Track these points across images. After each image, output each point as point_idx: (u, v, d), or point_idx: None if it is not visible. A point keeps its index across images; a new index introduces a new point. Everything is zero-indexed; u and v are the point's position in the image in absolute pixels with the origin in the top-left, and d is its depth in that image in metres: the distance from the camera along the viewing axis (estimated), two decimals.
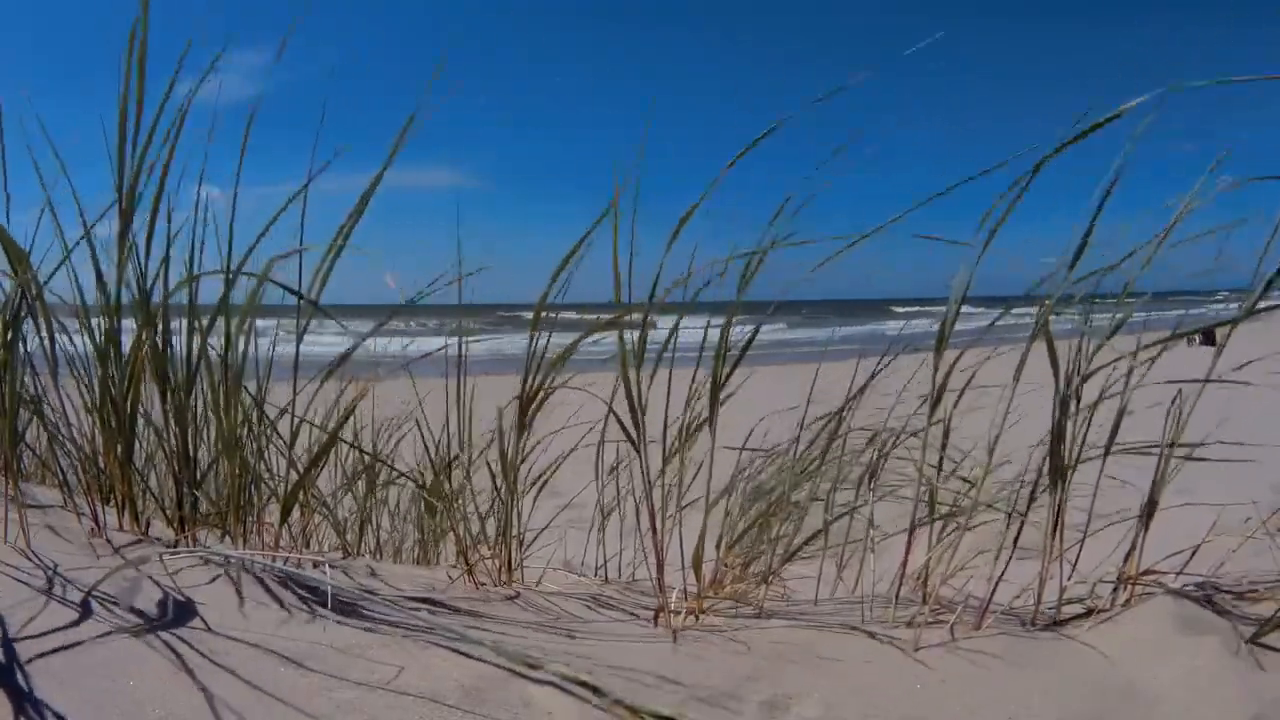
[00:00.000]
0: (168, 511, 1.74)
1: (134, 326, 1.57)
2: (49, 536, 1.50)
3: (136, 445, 1.69)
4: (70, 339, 1.64)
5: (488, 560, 1.86)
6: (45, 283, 1.48)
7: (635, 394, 1.53)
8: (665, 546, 1.57)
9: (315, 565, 1.66)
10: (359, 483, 2.31)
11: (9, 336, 1.47)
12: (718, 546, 1.82)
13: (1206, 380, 1.47)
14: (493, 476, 1.89)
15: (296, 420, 1.72)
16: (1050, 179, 1.38)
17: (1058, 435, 1.48)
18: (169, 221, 1.55)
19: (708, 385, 1.61)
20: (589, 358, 1.72)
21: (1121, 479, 1.54)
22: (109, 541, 1.52)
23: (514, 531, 1.85)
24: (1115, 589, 1.54)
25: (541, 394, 1.70)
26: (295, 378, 1.68)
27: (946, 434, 1.70)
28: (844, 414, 1.90)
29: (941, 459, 1.70)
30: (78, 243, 1.52)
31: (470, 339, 1.89)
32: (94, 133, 1.50)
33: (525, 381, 1.69)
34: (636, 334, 1.51)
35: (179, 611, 1.24)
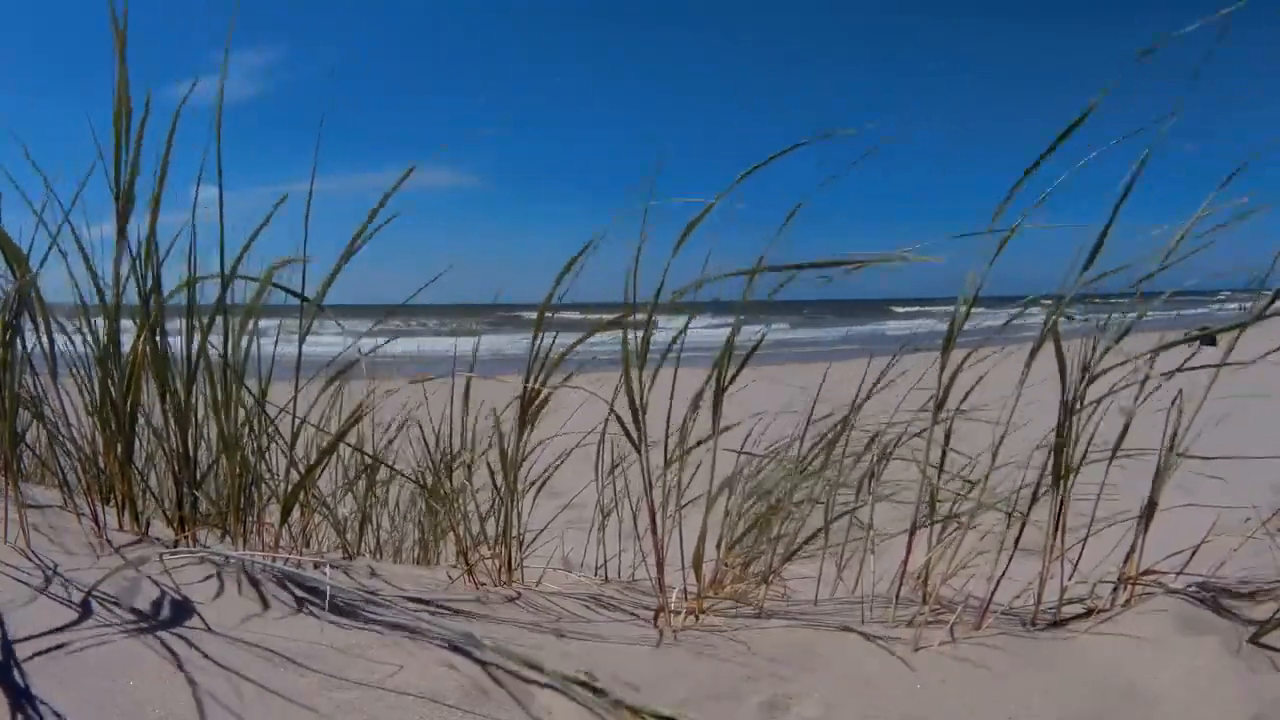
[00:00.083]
0: (168, 511, 1.74)
1: (134, 327, 1.57)
2: (49, 536, 1.50)
3: (136, 445, 1.69)
4: (70, 339, 1.64)
5: (488, 560, 1.86)
6: (38, 270, 1.48)
7: (637, 394, 1.53)
8: (665, 547, 1.57)
9: (315, 565, 1.66)
10: (359, 483, 2.30)
11: (8, 336, 1.46)
12: (718, 547, 1.82)
13: (1220, 364, 1.47)
14: (493, 476, 1.89)
15: (298, 421, 1.73)
16: (1056, 174, 1.39)
17: (1061, 436, 1.48)
18: (154, 221, 1.54)
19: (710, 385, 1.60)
20: (590, 358, 1.72)
21: (1121, 479, 1.54)
22: (109, 541, 1.52)
23: (514, 531, 1.85)
24: (1115, 589, 1.54)
25: (544, 394, 1.70)
26: (297, 378, 1.68)
27: (948, 436, 1.70)
28: (847, 416, 1.90)
29: (943, 459, 1.70)
30: (55, 235, 1.51)
31: (471, 339, 1.89)
32: (100, 131, 1.50)
33: (527, 381, 1.69)
34: (639, 335, 1.51)
35: (178, 611, 1.24)
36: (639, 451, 1.56)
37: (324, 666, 1.14)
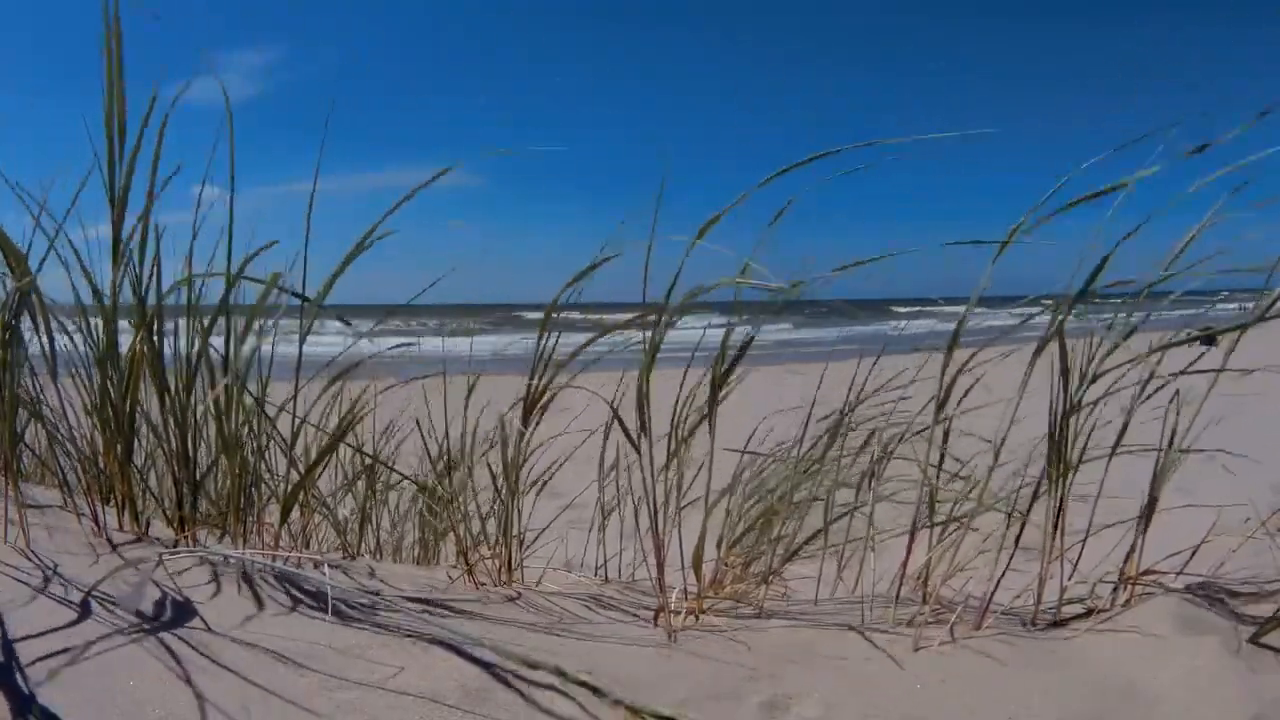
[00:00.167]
0: (168, 511, 1.74)
1: (133, 327, 1.58)
2: (49, 536, 1.50)
3: (136, 445, 1.69)
4: (70, 339, 1.64)
5: (488, 560, 1.86)
6: (37, 271, 1.48)
7: (643, 394, 1.53)
8: (665, 546, 1.57)
9: (315, 565, 1.66)
10: (359, 483, 2.30)
11: (7, 337, 1.46)
12: (718, 546, 1.82)
13: (1219, 369, 1.47)
14: (493, 476, 1.89)
15: (298, 421, 1.73)
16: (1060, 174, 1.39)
17: (1059, 435, 1.48)
18: (146, 221, 1.55)
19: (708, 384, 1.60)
20: (594, 358, 1.72)
21: (1121, 479, 1.54)
22: (109, 541, 1.52)
23: (514, 531, 1.85)
24: (1115, 589, 1.54)
25: (547, 394, 1.70)
26: (297, 379, 1.68)
27: (946, 435, 1.70)
28: (846, 415, 1.90)
29: (942, 459, 1.70)
30: (53, 237, 1.51)
31: (471, 339, 1.89)
32: (94, 132, 1.50)
33: (531, 381, 1.68)
34: (647, 336, 1.51)
35: (178, 611, 1.24)
36: (639, 452, 1.56)
37: (324, 667, 1.14)
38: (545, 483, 2.09)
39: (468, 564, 1.83)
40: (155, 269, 1.57)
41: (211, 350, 1.63)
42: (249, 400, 1.63)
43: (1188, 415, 1.53)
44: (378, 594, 1.56)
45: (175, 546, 1.57)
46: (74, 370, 1.67)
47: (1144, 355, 1.44)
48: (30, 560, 1.33)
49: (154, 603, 1.25)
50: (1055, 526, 1.49)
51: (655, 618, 1.60)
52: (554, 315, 1.64)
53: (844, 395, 1.89)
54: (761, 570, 1.87)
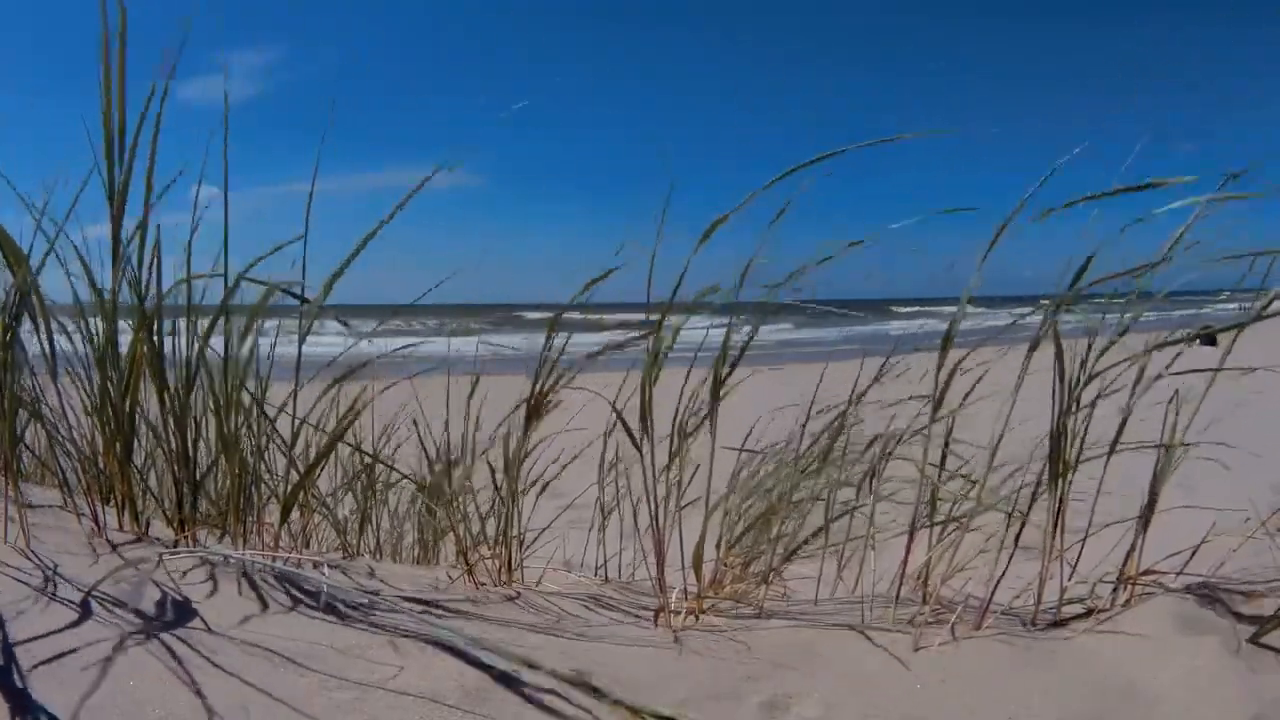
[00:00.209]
0: (167, 511, 1.74)
1: (133, 326, 1.58)
2: (49, 536, 1.50)
3: (136, 445, 1.69)
4: (70, 339, 1.64)
5: (488, 560, 1.86)
6: (37, 271, 1.48)
7: (647, 401, 1.53)
8: (666, 546, 1.57)
9: (315, 566, 1.66)
10: (359, 483, 2.31)
11: (7, 337, 1.47)
12: (717, 547, 1.82)
13: (1217, 369, 1.47)
14: (493, 476, 1.89)
15: (297, 421, 1.73)
16: (1061, 180, 1.39)
17: (1058, 435, 1.48)
18: (145, 221, 1.55)
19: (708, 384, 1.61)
20: (593, 359, 1.72)
21: (1121, 479, 1.54)
22: (109, 541, 1.52)
23: (514, 531, 1.85)
24: (1115, 589, 1.54)
25: (550, 396, 1.70)
26: (297, 379, 1.68)
27: (948, 435, 1.70)
28: (846, 414, 1.90)
29: (943, 458, 1.70)
30: (53, 237, 1.51)
31: (477, 340, 1.90)
32: (94, 131, 1.50)
33: (536, 382, 1.68)
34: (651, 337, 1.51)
35: (178, 611, 1.24)
36: (641, 454, 1.56)
37: (324, 667, 1.14)
38: (546, 483, 2.09)
39: (467, 564, 1.83)
40: (155, 268, 1.57)
41: (212, 350, 1.63)
42: (247, 399, 1.63)
43: (1187, 414, 1.53)
44: (377, 594, 1.56)
45: (175, 546, 1.57)
46: (74, 370, 1.67)
47: (1140, 355, 1.45)
48: (30, 560, 1.33)
49: (154, 603, 1.25)
50: (1055, 526, 1.49)
51: (655, 618, 1.60)
52: (557, 316, 1.65)
53: (844, 395, 1.89)
54: (761, 570, 1.87)
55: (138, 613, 1.20)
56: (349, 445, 2.16)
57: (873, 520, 1.66)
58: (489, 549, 1.88)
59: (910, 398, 1.82)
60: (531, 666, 1.14)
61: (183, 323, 1.63)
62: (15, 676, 0.97)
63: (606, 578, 2.11)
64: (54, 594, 1.21)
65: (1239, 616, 1.44)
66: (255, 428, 1.67)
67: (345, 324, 1.48)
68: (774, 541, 1.88)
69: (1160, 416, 1.54)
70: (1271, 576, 1.59)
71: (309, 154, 1.57)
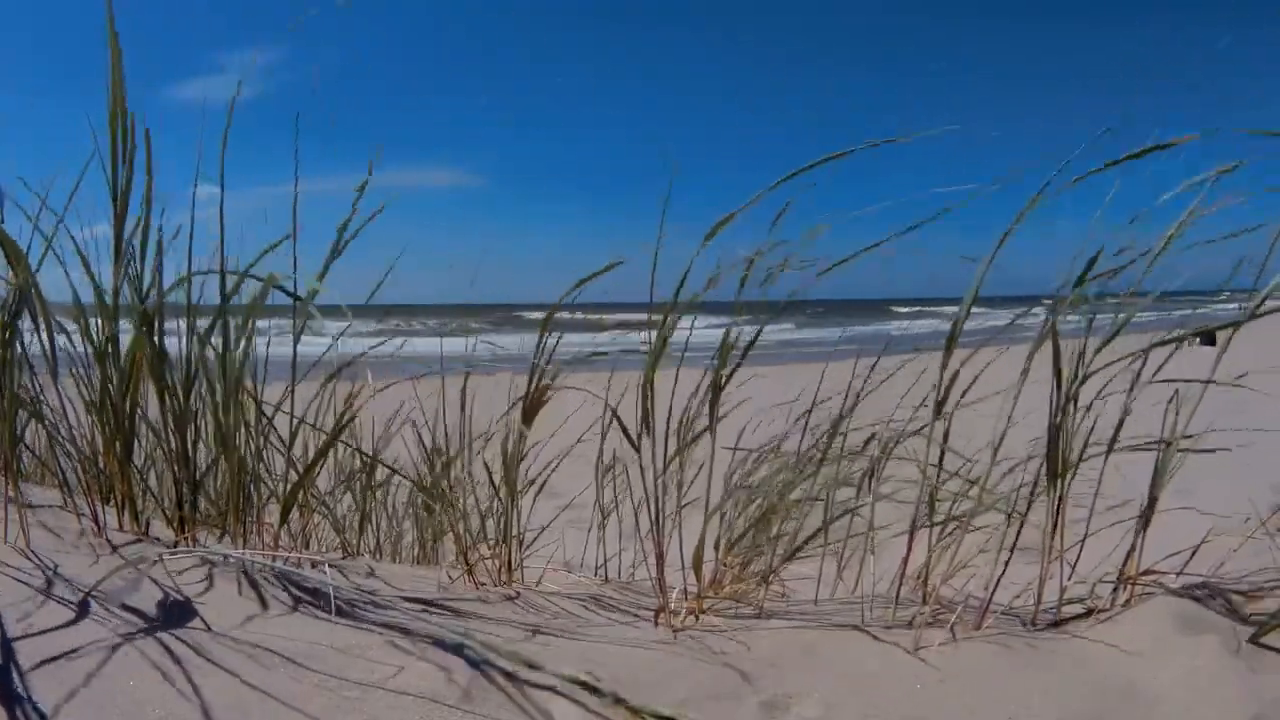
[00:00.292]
0: (167, 511, 1.74)
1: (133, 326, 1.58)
2: (49, 536, 1.50)
3: (136, 445, 1.69)
4: (70, 339, 1.64)
5: (487, 560, 1.86)
6: (36, 268, 1.48)
7: (649, 401, 1.53)
8: (666, 547, 1.57)
9: (314, 565, 1.66)
10: (357, 482, 2.30)
11: (7, 336, 1.47)
12: (716, 547, 1.82)
13: (1211, 379, 1.47)
14: (490, 475, 1.89)
15: (295, 421, 1.72)
16: (1062, 180, 1.39)
17: (1056, 435, 1.48)
18: (146, 221, 1.55)
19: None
20: (587, 358, 1.72)
21: (1121, 479, 1.54)
22: (109, 541, 1.52)
23: (514, 531, 1.85)
24: (1115, 589, 1.54)
25: (544, 400, 1.70)
26: (293, 379, 1.68)
27: (947, 435, 1.70)
28: (844, 414, 1.90)
29: (942, 458, 1.70)
30: (50, 235, 1.51)
31: (475, 339, 1.90)
32: (98, 127, 1.50)
33: (531, 381, 1.68)
34: (651, 335, 1.51)
35: (178, 612, 1.24)
36: (638, 451, 1.56)
37: (324, 667, 1.14)
38: (544, 483, 2.09)
39: (467, 564, 1.83)
40: (156, 267, 1.57)
41: (211, 350, 1.63)
42: (246, 399, 1.63)
43: (1186, 414, 1.52)
44: (377, 594, 1.56)
45: (175, 546, 1.57)
46: (74, 370, 1.67)
47: (1138, 353, 1.45)
48: (30, 560, 1.33)
49: (153, 602, 1.25)
50: (1055, 526, 1.49)
51: (655, 618, 1.60)
52: (554, 316, 1.65)
53: (844, 395, 1.89)
54: (761, 570, 1.87)
55: (137, 612, 1.20)
56: (347, 445, 2.16)
57: (873, 521, 1.66)
58: (489, 549, 1.88)
59: (907, 396, 1.82)
60: (532, 666, 1.14)
61: (183, 322, 1.63)
62: (15, 676, 0.97)
63: (606, 578, 2.11)
64: (54, 594, 1.21)
65: (1239, 616, 1.44)
66: (254, 427, 1.67)
67: (347, 312, 1.48)
68: (774, 541, 1.88)
69: (1160, 416, 1.53)
70: (1271, 576, 1.59)
71: (309, 154, 1.57)
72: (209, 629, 1.20)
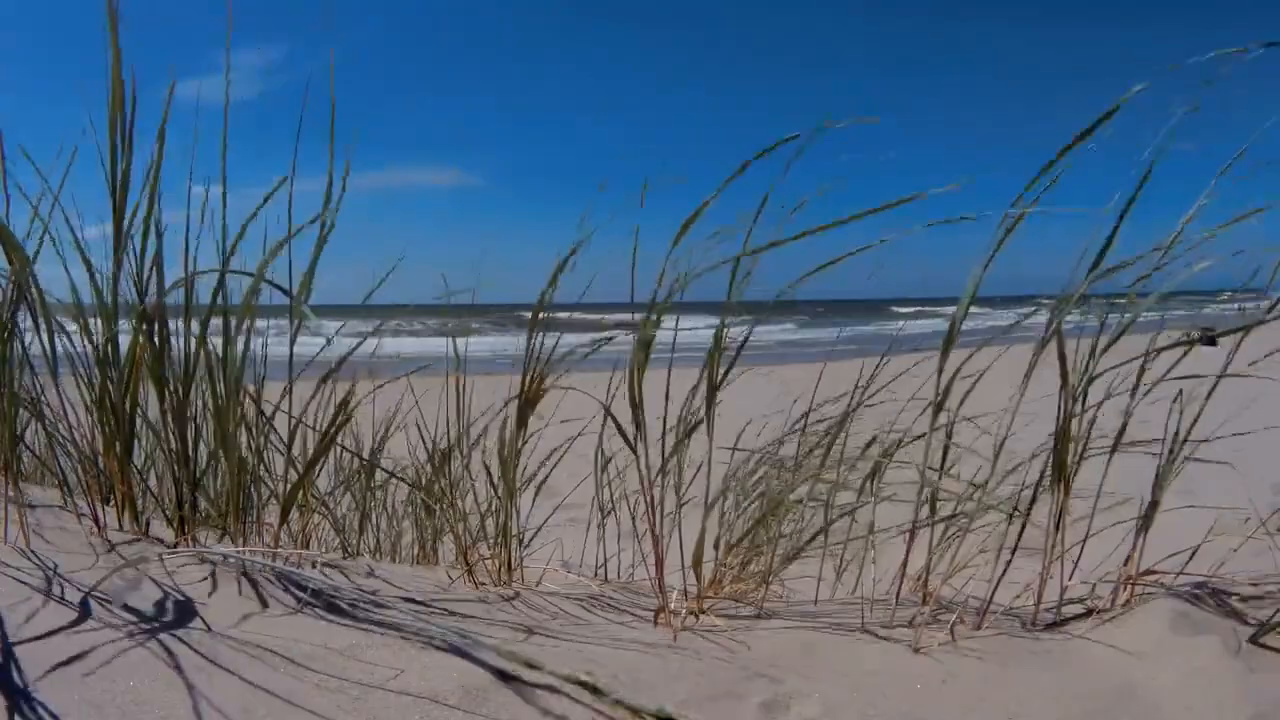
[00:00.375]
0: (167, 511, 1.74)
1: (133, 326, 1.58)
2: (49, 536, 1.50)
3: (136, 445, 1.69)
4: (70, 339, 1.64)
5: (487, 561, 1.86)
6: (33, 259, 1.48)
7: (638, 397, 1.53)
8: (665, 547, 1.57)
9: (314, 565, 1.66)
10: (356, 482, 2.30)
11: (6, 335, 1.47)
12: (715, 547, 1.82)
13: (1220, 376, 1.47)
14: (489, 475, 1.89)
15: (294, 421, 1.72)
16: (1064, 180, 1.39)
17: (1062, 436, 1.48)
18: (149, 219, 1.55)
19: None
20: (583, 357, 1.72)
21: (1121, 480, 1.54)
22: (109, 541, 1.52)
23: (513, 531, 1.85)
24: (1115, 589, 1.54)
25: (541, 393, 1.70)
26: (290, 378, 1.68)
27: (949, 435, 1.70)
28: (845, 414, 1.90)
29: (944, 458, 1.70)
30: (44, 224, 1.52)
31: (471, 338, 1.89)
32: (98, 121, 1.50)
33: (525, 380, 1.68)
34: (638, 336, 1.51)
35: (178, 611, 1.24)
36: (635, 452, 1.56)
37: (324, 667, 1.14)
38: (543, 482, 2.09)
39: (467, 564, 1.83)
40: (156, 266, 1.57)
41: (210, 350, 1.63)
42: (245, 398, 1.63)
43: (1190, 415, 1.52)
44: (377, 594, 1.56)
45: (175, 546, 1.57)
46: (74, 370, 1.67)
47: (1144, 355, 1.44)
48: (30, 560, 1.33)
49: (154, 603, 1.25)
50: (1057, 526, 1.49)
51: (655, 618, 1.59)
52: (552, 316, 1.64)
53: (846, 395, 1.89)
54: (760, 570, 1.87)
55: (137, 612, 1.20)
56: (345, 449, 2.16)
57: (874, 524, 1.66)
58: (489, 548, 1.88)
59: (910, 396, 1.82)
60: (532, 666, 1.14)
61: (182, 322, 1.63)
62: (15, 675, 0.97)
63: (606, 578, 2.11)
64: (54, 593, 1.21)
65: (1239, 616, 1.44)
66: (254, 426, 1.67)
67: (309, 326, 1.48)
68: (774, 541, 1.88)
69: (1163, 418, 1.53)
70: (1271, 576, 1.59)
71: (309, 154, 1.57)
72: (209, 629, 1.19)
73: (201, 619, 1.22)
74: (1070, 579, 1.56)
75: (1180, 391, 1.52)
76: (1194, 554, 1.61)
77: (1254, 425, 1.87)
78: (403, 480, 2.20)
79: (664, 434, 1.60)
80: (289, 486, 1.66)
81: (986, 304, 1.49)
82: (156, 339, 1.58)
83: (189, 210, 1.57)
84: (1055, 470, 1.50)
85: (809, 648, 1.42)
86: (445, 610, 1.52)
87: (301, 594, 1.40)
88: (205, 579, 1.39)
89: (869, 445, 1.89)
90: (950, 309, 1.49)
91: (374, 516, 2.34)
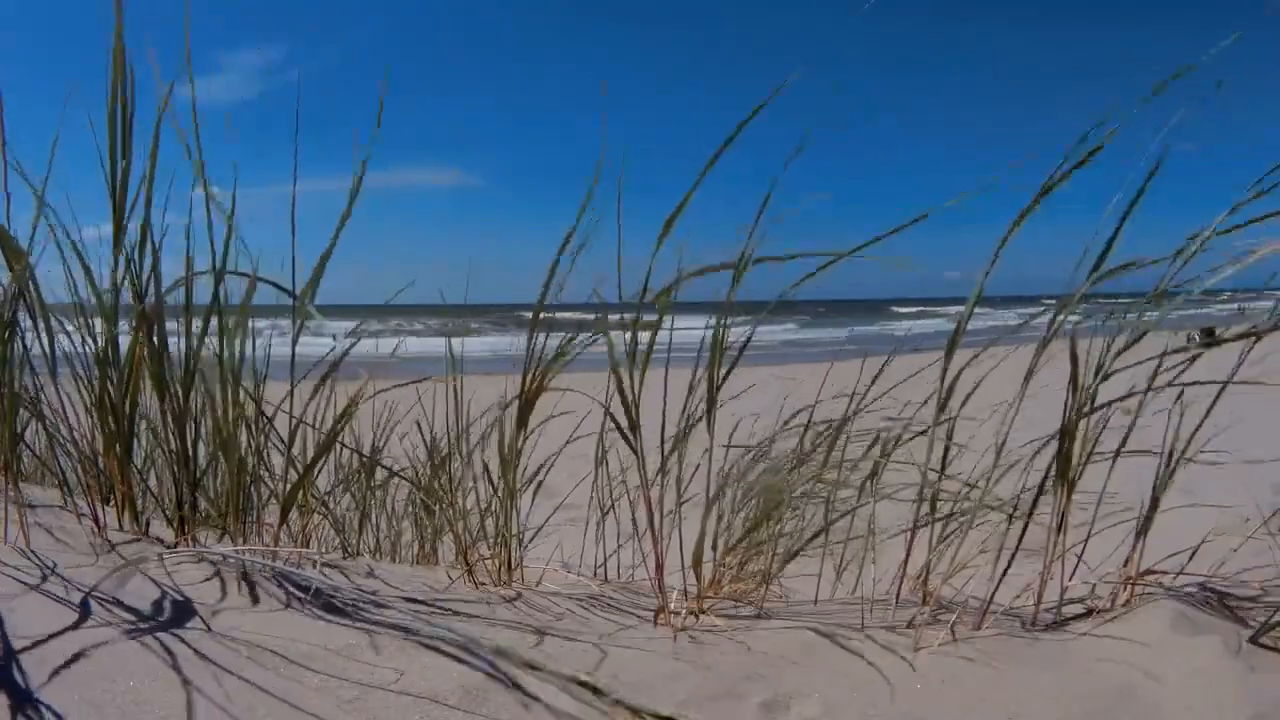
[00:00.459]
0: (167, 511, 1.74)
1: (133, 326, 1.57)
2: (49, 536, 1.50)
3: (136, 445, 1.69)
4: (70, 339, 1.64)
5: (487, 560, 1.86)
6: (35, 261, 1.48)
7: (631, 395, 1.53)
8: (665, 548, 1.57)
9: (314, 565, 1.66)
10: (356, 482, 2.30)
11: (6, 335, 1.46)
12: (714, 548, 1.81)
13: (1227, 381, 1.46)
14: (488, 475, 1.89)
15: (294, 420, 1.72)
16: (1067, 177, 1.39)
17: (1067, 436, 1.47)
18: (147, 220, 1.55)
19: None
20: (587, 357, 1.72)
21: (1122, 480, 1.54)
22: (109, 541, 1.52)
23: (513, 531, 1.85)
24: (1116, 589, 1.54)
25: (540, 393, 1.70)
26: (292, 378, 1.68)
27: (950, 435, 1.70)
28: (846, 414, 1.90)
29: (945, 458, 1.70)
30: (35, 219, 1.51)
31: (471, 339, 1.89)
32: (93, 135, 1.50)
33: (525, 380, 1.68)
34: (630, 335, 1.51)
35: (178, 611, 1.24)
36: (634, 451, 1.55)
37: (324, 667, 1.14)
38: (542, 482, 2.09)
39: (467, 564, 1.83)
40: (155, 267, 1.57)
41: (210, 349, 1.63)
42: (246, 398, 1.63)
43: (1191, 417, 1.52)
44: (377, 594, 1.56)
45: (175, 546, 1.57)
46: (74, 369, 1.67)
47: (1146, 359, 1.44)
48: (30, 560, 1.33)
49: (153, 602, 1.25)
50: (1059, 527, 1.49)
51: (655, 618, 1.59)
52: (551, 316, 1.64)
53: (846, 395, 1.89)
54: (759, 570, 1.86)
55: (137, 612, 1.20)
56: (346, 446, 2.16)
57: (874, 525, 1.66)
58: (489, 548, 1.88)
59: (911, 397, 1.82)
60: (532, 667, 1.14)
61: (181, 322, 1.62)
62: (16, 675, 0.97)
63: (606, 578, 2.11)
64: (54, 593, 1.21)
65: (1239, 616, 1.44)
66: (253, 426, 1.67)
67: (309, 326, 1.48)
68: (773, 541, 1.88)
69: (1165, 418, 1.53)
70: (1271, 576, 1.58)
71: (309, 154, 1.57)
72: (209, 629, 1.19)
73: (201, 619, 1.22)
74: (1072, 578, 1.55)
75: (1181, 393, 1.52)
76: (1194, 554, 1.61)
77: (1255, 424, 1.87)
78: (403, 478, 2.20)
79: (664, 434, 1.60)
80: (289, 486, 1.66)
81: (988, 304, 1.49)
82: (156, 338, 1.57)
83: (190, 211, 1.57)
84: (1058, 470, 1.49)
85: (809, 648, 1.42)
86: (445, 610, 1.52)
87: (301, 594, 1.40)
88: (205, 579, 1.39)
89: (872, 446, 1.89)
90: (951, 309, 1.49)
91: (374, 516, 2.34)
